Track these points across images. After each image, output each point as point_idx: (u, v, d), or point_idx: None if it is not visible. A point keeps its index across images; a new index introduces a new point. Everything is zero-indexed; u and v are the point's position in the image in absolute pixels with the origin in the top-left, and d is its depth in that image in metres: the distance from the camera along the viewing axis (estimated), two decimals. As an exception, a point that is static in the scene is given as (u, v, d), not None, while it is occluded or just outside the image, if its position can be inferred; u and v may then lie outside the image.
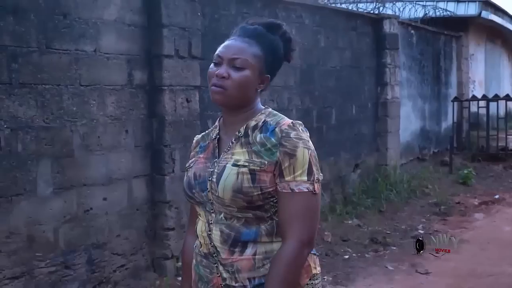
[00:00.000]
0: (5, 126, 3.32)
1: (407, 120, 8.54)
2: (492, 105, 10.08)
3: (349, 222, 6.20)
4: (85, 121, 3.77)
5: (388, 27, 7.59)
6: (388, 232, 6.00)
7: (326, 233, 5.63)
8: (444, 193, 7.75)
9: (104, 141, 3.89)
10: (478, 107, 10.15)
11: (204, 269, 1.64)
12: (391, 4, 8.69)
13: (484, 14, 10.77)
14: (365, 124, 7.41)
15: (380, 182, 7.23)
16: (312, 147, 1.58)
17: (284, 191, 1.53)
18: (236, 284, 1.57)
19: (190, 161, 1.73)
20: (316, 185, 1.55)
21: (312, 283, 1.60)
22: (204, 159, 1.67)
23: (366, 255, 5.27)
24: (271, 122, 1.60)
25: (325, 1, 8.46)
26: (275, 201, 1.57)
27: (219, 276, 1.60)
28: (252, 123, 1.62)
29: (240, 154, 1.58)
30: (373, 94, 7.57)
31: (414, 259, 5.07)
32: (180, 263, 4.22)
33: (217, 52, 1.62)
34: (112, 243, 3.99)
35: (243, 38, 1.62)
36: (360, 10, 7.69)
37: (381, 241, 5.60)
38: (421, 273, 4.73)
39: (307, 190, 1.53)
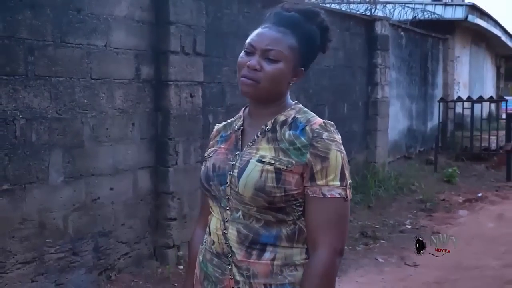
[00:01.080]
0: (20, 116, 3.44)
1: (395, 119, 8.79)
2: (476, 106, 10.40)
3: (339, 216, 6.40)
4: (95, 113, 3.90)
5: (379, 29, 7.82)
6: (377, 226, 6.22)
7: (318, 226, 5.83)
8: (429, 190, 8.00)
9: (112, 133, 4.03)
10: (463, 108, 10.44)
11: (214, 268, 1.54)
12: (382, 6, 8.89)
13: (471, 18, 11.09)
14: (355, 122, 7.63)
15: (369, 179, 7.46)
16: (344, 150, 1.49)
17: (315, 195, 1.44)
18: None
19: (209, 150, 1.63)
20: (348, 191, 1.47)
21: None
22: (225, 150, 1.57)
23: (357, 248, 5.48)
24: (301, 119, 1.50)
25: (313, 0, 8.66)
26: (298, 204, 1.47)
27: (231, 278, 1.50)
28: (281, 118, 1.51)
29: (266, 150, 1.48)
30: (364, 93, 7.80)
31: (403, 252, 5.32)
32: (181, 252, 4.41)
33: (249, 40, 1.51)
34: (117, 231, 4.14)
35: (278, 27, 1.49)
36: (352, 11, 7.87)
37: (371, 235, 5.82)
38: (410, 265, 4.97)
39: (339, 196, 1.44)
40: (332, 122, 1.51)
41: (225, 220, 1.50)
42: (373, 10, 7.96)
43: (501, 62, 18.53)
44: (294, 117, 1.51)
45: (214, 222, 1.55)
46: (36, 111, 3.53)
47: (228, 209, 1.50)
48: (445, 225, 6.45)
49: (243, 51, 1.51)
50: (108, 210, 4.05)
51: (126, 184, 4.19)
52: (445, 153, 10.63)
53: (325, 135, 1.46)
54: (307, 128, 1.47)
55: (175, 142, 4.40)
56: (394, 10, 9.34)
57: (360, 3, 8.36)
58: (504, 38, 14.58)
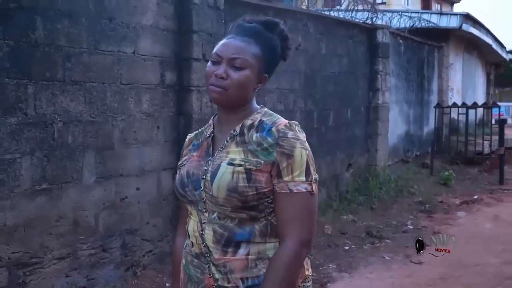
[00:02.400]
0: (58, 119, 3.64)
1: (394, 124, 9.05)
2: (470, 112, 10.71)
3: (345, 217, 6.64)
4: (124, 117, 4.11)
5: (381, 37, 8.09)
6: (381, 227, 6.47)
7: (326, 226, 6.07)
8: (427, 193, 8.28)
9: (139, 135, 4.24)
10: (458, 114, 10.75)
11: (195, 269, 1.60)
12: (381, 14, 9.17)
13: (465, 26, 11.41)
14: (358, 126, 7.88)
15: (370, 181, 7.71)
16: (309, 147, 1.56)
17: (282, 191, 1.51)
18: (229, 285, 1.54)
19: (183, 159, 1.70)
20: (314, 186, 1.53)
21: (304, 285, 1.59)
22: (197, 157, 1.64)
23: (364, 246, 5.72)
24: (267, 122, 1.58)
25: (311, 8, 8.91)
26: (269, 201, 1.54)
27: (210, 276, 1.56)
28: (248, 122, 1.60)
29: (235, 153, 1.55)
30: (365, 99, 8.05)
31: (407, 250, 5.56)
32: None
33: (215, 50, 1.59)
34: (142, 229, 4.34)
35: (242, 37, 1.58)
36: (355, 19, 8.13)
37: (376, 235, 6.07)
38: (415, 263, 5.21)
39: (305, 191, 1.51)
40: (296, 122, 1.59)
41: (202, 221, 1.57)
42: (374, 18, 8.20)
43: (491, 69, 18.93)
44: (260, 120, 1.59)
45: (192, 224, 1.61)
46: (72, 115, 3.73)
47: (205, 212, 1.57)
48: (445, 225, 6.71)
49: (210, 61, 1.59)
50: (134, 209, 4.26)
51: (151, 185, 4.40)
52: (440, 157, 10.92)
53: (290, 134, 1.53)
54: (273, 129, 1.55)
55: (196, 145, 4.60)
56: (392, 19, 9.61)
57: (361, 11, 8.58)
58: (494, 46, 14.95)
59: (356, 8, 8.19)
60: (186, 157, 1.68)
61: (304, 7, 7.56)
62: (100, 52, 3.91)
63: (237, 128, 1.59)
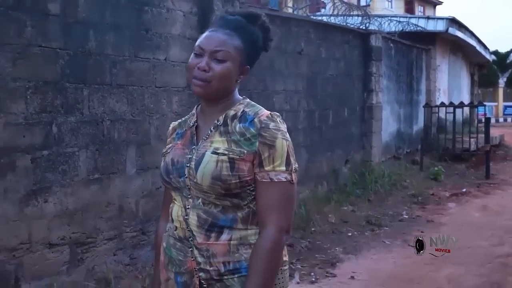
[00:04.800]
0: (107, 118, 4.19)
1: (386, 123, 9.68)
2: (456, 111, 11.40)
3: (345, 208, 7.24)
4: (158, 116, 4.66)
5: (374, 41, 8.73)
6: (379, 216, 7.07)
7: (329, 215, 6.67)
8: (419, 186, 8.93)
9: (171, 132, 4.79)
10: (446, 113, 11.44)
11: (178, 252, 1.64)
12: (373, 19, 9.80)
13: (451, 30, 12.13)
14: (354, 125, 8.50)
15: (367, 176, 8.33)
16: (289, 138, 1.60)
17: (263, 180, 1.55)
18: (211, 268, 1.58)
19: (167, 147, 1.74)
20: (293, 175, 1.58)
21: (281, 269, 1.63)
22: (181, 146, 1.68)
23: (365, 233, 6.32)
24: (249, 113, 1.61)
25: (303, 12, 9.52)
26: (251, 189, 1.58)
27: (193, 259, 1.60)
28: (231, 112, 1.63)
29: (219, 143, 1.59)
30: (360, 99, 8.68)
31: (404, 236, 6.17)
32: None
33: (198, 43, 1.62)
34: (173, 216, 4.88)
35: (224, 29, 1.60)
36: (350, 24, 8.76)
37: (375, 223, 6.68)
38: (413, 246, 5.83)
39: (285, 180, 1.55)
40: (278, 114, 1.63)
41: (187, 207, 1.61)
42: (367, 24, 8.83)
43: (475, 70, 19.76)
44: (243, 111, 1.63)
45: (176, 209, 1.65)
46: (117, 114, 4.28)
47: (190, 198, 1.61)
48: (437, 215, 7.34)
49: (192, 54, 1.63)
50: (167, 197, 4.80)
51: (180, 176, 4.94)
52: (428, 154, 11.59)
53: (271, 125, 1.57)
54: (256, 119, 1.58)
55: (218, 141, 5.18)
56: (383, 23, 10.26)
57: (355, 16, 9.20)
58: (478, 48, 15.72)
59: (350, 13, 8.81)
60: (170, 145, 1.73)
61: (290, 10, 8.16)
62: (139, 59, 4.46)
63: (221, 119, 1.62)
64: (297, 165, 1.60)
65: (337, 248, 5.65)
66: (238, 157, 1.55)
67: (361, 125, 8.75)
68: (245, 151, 1.55)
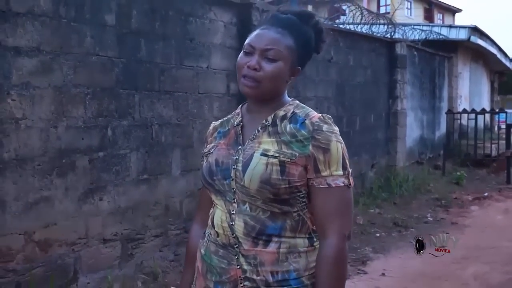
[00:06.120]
0: (155, 122, 4.48)
1: (410, 129, 9.88)
2: (478, 117, 11.57)
3: (372, 210, 7.45)
4: (201, 121, 4.94)
5: (399, 49, 8.95)
6: (404, 218, 7.26)
7: (358, 217, 6.88)
8: (442, 190, 9.11)
9: (211, 136, 5.07)
10: (468, 119, 11.60)
11: (220, 259, 1.54)
12: (398, 28, 10.01)
13: (473, 38, 12.30)
14: (379, 130, 8.72)
15: (392, 180, 8.54)
16: (342, 141, 1.54)
17: (321, 186, 1.48)
18: (258, 277, 1.49)
19: (209, 146, 1.65)
20: (350, 179, 1.52)
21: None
22: (225, 146, 1.59)
23: (392, 234, 6.53)
24: (300, 114, 1.54)
25: (327, 21, 9.75)
26: (301, 196, 1.51)
27: (239, 268, 1.51)
28: (281, 113, 1.56)
29: (268, 144, 1.51)
30: (386, 105, 8.90)
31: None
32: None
33: (248, 41, 1.55)
34: (213, 215, 5.15)
35: (276, 28, 1.54)
36: (374, 32, 8.99)
37: (401, 225, 6.88)
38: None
39: (343, 184, 1.49)
40: (329, 116, 1.56)
41: (232, 212, 1.52)
42: (392, 33, 9.05)
43: (495, 77, 19.83)
44: (293, 112, 1.56)
45: (219, 214, 1.56)
46: (164, 119, 4.56)
47: (234, 202, 1.52)
48: (461, 217, 7.52)
49: (242, 52, 1.55)
50: (207, 198, 5.07)
51: (219, 178, 5.21)
52: (450, 160, 11.75)
53: (325, 127, 1.50)
54: (307, 121, 1.51)
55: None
56: (407, 32, 10.48)
57: (381, 24, 9.42)
58: (499, 55, 15.82)
59: (377, 22, 9.04)
60: (213, 144, 1.64)
61: None
62: (184, 67, 4.75)
63: (269, 119, 1.55)
64: (351, 169, 1.54)
65: (366, 248, 5.86)
66: (289, 160, 1.47)
67: (386, 130, 8.96)
68: (297, 154, 1.47)
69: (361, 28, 8.87)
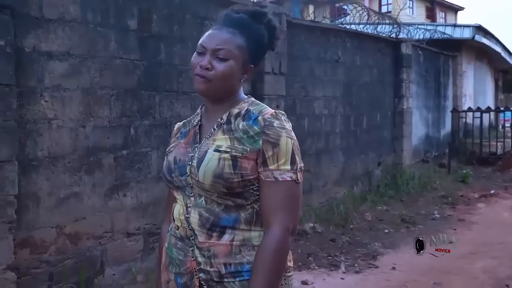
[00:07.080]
0: (174, 122, 4.63)
1: (415, 127, 10.05)
2: (483, 116, 11.74)
3: (379, 207, 7.64)
4: (216, 120, 5.13)
5: (404, 49, 9.13)
6: (412, 215, 7.44)
7: (366, 214, 7.07)
8: (449, 188, 9.29)
9: (226, 135, 5.27)
10: (473, 118, 11.77)
11: (178, 251, 1.60)
12: (403, 27, 10.19)
13: (477, 37, 12.46)
14: (385, 129, 8.90)
15: (398, 178, 8.72)
16: (295, 137, 1.56)
17: (268, 179, 1.51)
18: (211, 269, 1.53)
19: (170, 146, 1.72)
20: (299, 174, 1.53)
21: (285, 275, 1.58)
22: (184, 144, 1.65)
23: (400, 230, 6.71)
24: (253, 111, 1.58)
25: (330, 20, 9.94)
26: (254, 189, 1.54)
27: (193, 259, 1.56)
28: (235, 111, 1.60)
29: (222, 140, 1.55)
30: (392, 104, 9.08)
31: (438, 234, 6.50)
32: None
33: (200, 41, 1.59)
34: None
35: (228, 28, 1.57)
36: (379, 32, 9.17)
37: (409, 221, 7.06)
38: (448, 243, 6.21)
39: (290, 179, 1.51)
40: (283, 112, 1.59)
41: (188, 205, 1.57)
42: (398, 33, 9.23)
43: (499, 76, 19.97)
44: (247, 109, 1.60)
45: (178, 208, 1.62)
46: (182, 118, 4.66)
47: (192, 196, 1.57)
48: (467, 214, 7.69)
49: (195, 52, 1.60)
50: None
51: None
52: (455, 158, 11.92)
53: (276, 123, 1.53)
54: (260, 117, 1.54)
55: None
56: (411, 31, 10.65)
57: (386, 24, 9.59)
58: (503, 54, 15.97)
59: (383, 21, 9.22)
60: (174, 144, 1.70)
61: (311, 18, 8.61)
62: (201, 68, 4.93)
63: (224, 117, 1.59)
64: (302, 164, 1.56)
65: (376, 243, 6.04)
66: (240, 155, 1.51)
67: (392, 129, 9.14)
68: (248, 149, 1.51)
69: (366, 28, 9.05)
